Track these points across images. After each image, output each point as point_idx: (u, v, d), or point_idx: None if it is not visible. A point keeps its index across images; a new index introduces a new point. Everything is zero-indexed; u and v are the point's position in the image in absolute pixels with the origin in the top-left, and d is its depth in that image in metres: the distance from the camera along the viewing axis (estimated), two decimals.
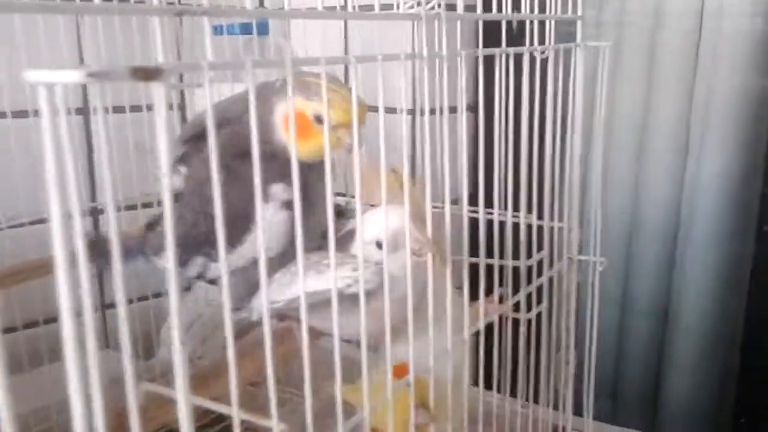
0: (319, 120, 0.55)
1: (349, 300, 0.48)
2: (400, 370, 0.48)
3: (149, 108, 0.95)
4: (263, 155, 0.41)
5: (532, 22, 0.64)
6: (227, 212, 0.38)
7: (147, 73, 0.23)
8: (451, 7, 0.52)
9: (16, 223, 0.84)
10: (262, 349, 0.56)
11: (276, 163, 0.52)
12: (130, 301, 0.29)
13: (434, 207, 0.51)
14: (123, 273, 0.30)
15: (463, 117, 0.54)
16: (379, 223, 0.51)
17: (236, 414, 0.36)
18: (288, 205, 0.57)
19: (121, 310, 0.28)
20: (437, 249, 0.48)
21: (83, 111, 0.99)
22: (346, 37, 0.98)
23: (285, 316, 0.58)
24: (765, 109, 0.95)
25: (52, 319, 0.29)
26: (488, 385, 0.67)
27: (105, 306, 1.12)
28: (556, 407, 0.78)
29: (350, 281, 0.51)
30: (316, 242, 0.55)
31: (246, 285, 0.63)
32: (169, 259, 0.30)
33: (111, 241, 0.30)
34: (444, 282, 0.50)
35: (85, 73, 0.22)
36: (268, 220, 0.57)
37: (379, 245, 0.52)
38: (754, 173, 0.96)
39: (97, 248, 0.64)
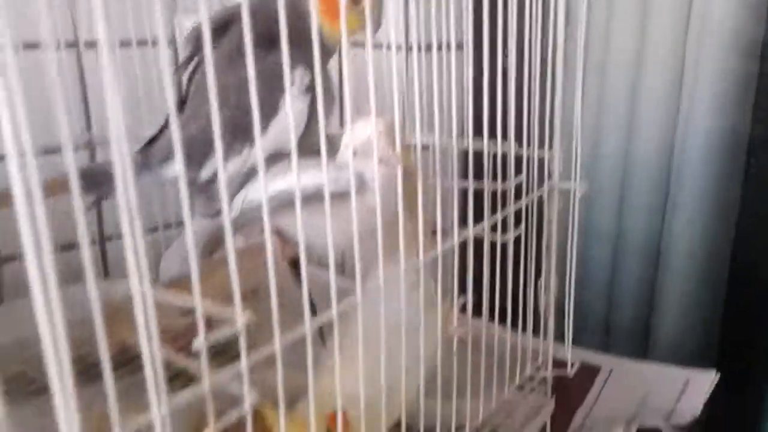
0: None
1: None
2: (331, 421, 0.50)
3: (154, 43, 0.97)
4: (290, 40, 0.41)
5: None
6: (248, 103, 0.37)
7: None
8: None
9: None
10: (242, 258, 0.58)
11: (298, 47, 0.53)
12: None
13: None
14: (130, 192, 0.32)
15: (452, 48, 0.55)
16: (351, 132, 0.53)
17: (199, 304, 0.37)
18: (307, 89, 0.57)
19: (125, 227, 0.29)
20: (405, 159, 0.49)
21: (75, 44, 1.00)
22: None
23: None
24: (755, 46, 0.94)
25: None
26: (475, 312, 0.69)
27: (104, 238, 1.14)
28: (541, 335, 0.79)
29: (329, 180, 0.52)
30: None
31: (237, 185, 0.63)
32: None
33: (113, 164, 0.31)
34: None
35: None
36: (291, 106, 0.57)
37: (353, 153, 0.54)
38: (743, 112, 0.96)
39: (95, 177, 0.65)
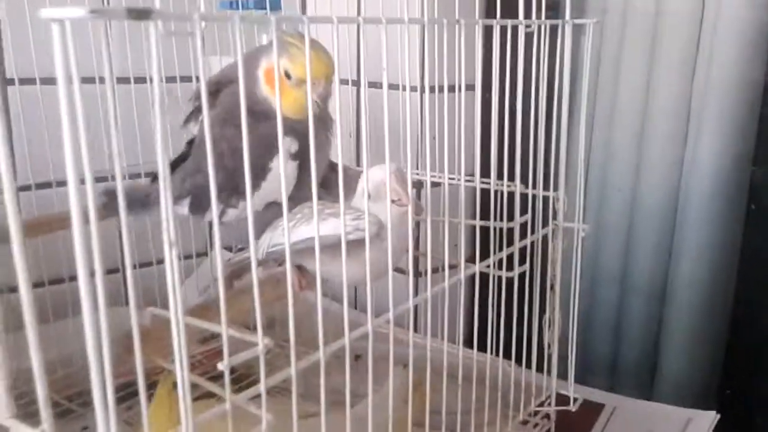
0: (287, 75, 0.62)
1: (348, 246, 0.52)
2: None
3: (197, 79, 1.02)
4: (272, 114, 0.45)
5: None
6: (242, 164, 0.43)
7: (139, 13, 0.28)
8: None
9: (43, 182, 0.91)
10: (262, 289, 0.62)
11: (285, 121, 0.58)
12: (150, 263, 0.33)
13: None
14: (136, 222, 0.36)
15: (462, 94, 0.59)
16: (365, 177, 0.57)
17: (224, 331, 0.40)
18: (294, 156, 0.65)
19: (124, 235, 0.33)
20: (414, 201, 0.53)
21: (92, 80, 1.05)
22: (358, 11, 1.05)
23: (284, 262, 0.63)
24: (756, 95, 0.98)
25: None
26: (481, 347, 0.72)
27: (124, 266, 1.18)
28: (545, 371, 0.81)
29: (350, 229, 0.56)
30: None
31: (255, 226, 0.69)
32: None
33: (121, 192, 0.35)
34: None
35: (88, 11, 0.27)
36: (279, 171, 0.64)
37: (368, 196, 0.58)
38: (745, 157, 1.00)
39: (114, 201, 0.72)
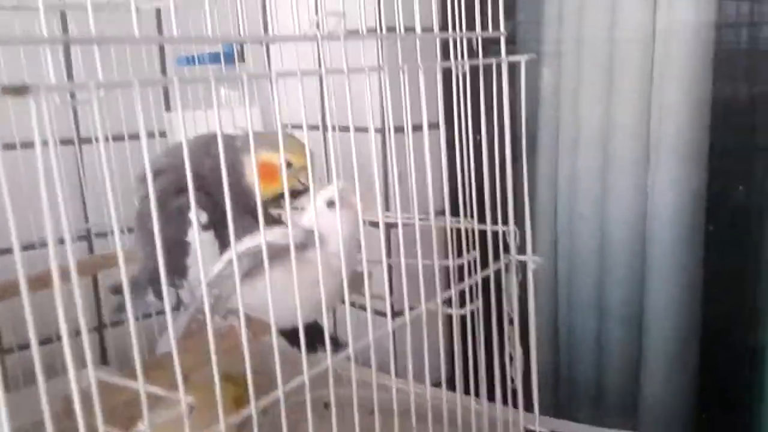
0: (288, 165, 0.69)
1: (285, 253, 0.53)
2: None
3: (162, 134, 1.04)
4: (185, 188, 0.47)
5: (461, 40, 0.70)
6: (165, 244, 0.44)
7: (15, 90, 0.29)
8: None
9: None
10: (201, 345, 0.62)
11: (206, 194, 0.63)
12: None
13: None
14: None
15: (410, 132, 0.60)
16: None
17: (141, 387, 0.41)
18: (206, 226, 0.67)
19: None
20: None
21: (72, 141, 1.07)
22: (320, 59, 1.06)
23: (228, 314, 0.64)
24: (706, 119, 1.00)
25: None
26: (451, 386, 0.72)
27: (102, 325, 1.19)
28: (516, 405, 0.81)
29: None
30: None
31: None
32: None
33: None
34: None
35: None
36: (195, 244, 0.67)
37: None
38: (700, 178, 1.01)
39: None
